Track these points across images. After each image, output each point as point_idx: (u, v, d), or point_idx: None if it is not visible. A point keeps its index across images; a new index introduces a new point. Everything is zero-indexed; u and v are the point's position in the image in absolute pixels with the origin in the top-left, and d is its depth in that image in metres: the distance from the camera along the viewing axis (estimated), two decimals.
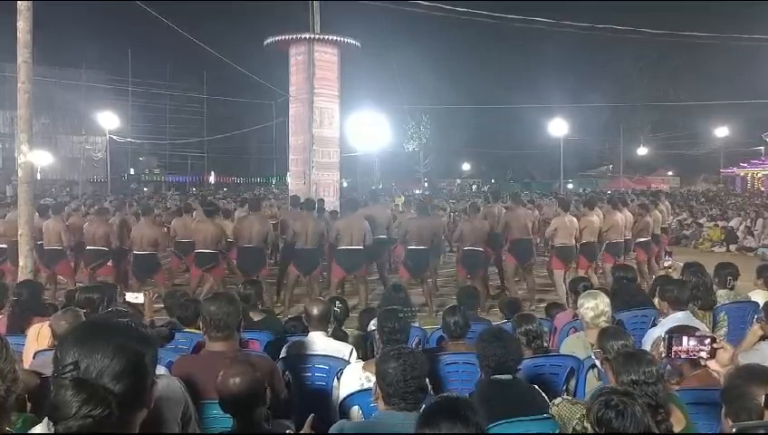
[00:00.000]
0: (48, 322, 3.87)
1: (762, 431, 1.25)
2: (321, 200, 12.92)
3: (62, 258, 9.15)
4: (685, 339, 2.44)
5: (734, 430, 1.29)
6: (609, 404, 2.06)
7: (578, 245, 9.53)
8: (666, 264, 9.95)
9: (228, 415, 2.59)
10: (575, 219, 9.55)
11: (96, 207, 11.53)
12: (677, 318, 4.08)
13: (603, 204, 12.03)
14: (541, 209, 13.43)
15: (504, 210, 10.21)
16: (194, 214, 12.11)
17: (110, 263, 9.10)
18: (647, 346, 3.65)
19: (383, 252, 9.92)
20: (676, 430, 2.49)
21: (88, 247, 9.05)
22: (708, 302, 4.94)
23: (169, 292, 6.49)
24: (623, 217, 10.10)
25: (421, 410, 2.20)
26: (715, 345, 2.38)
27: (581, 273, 9.11)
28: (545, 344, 4.31)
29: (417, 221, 9.28)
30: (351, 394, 3.30)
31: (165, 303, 5.45)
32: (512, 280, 9.49)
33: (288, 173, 18.18)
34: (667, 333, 2.70)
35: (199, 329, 4.40)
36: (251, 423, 2.51)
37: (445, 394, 2.31)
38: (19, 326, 4.60)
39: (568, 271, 9.36)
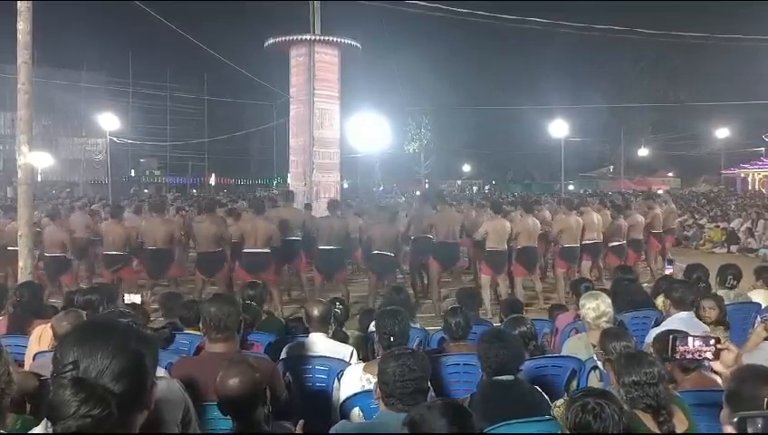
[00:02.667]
0: (51, 323, 3.87)
1: (761, 422, 1.25)
2: (263, 199, 12.12)
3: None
4: (690, 339, 2.42)
5: (734, 419, 1.28)
6: (586, 408, 2.05)
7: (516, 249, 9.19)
8: (667, 272, 9.90)
9: (227, 417, 2.57)
10: (508, 223, 9.13)
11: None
12: (681, 318, 4.07)
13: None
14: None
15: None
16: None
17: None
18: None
19: (296, 253, 9.52)
20: (679, 431, 2.48)
21: (8, 248, 8.94)
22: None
23: (169, 292, 6.48)
24: (577, 220, 9.60)
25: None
26: (719, 346, 2.37)
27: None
28: (544, 346, 4.32)
29: (327, 220, 9.02)
30: (352, 396, 3.28)
31: (165, 303, 5.44)
32: (435, 284, 9.04)
33: (289, 174, 18.18)
34: (670, 333, 2.68)
35: (200, 330, 4.41)
36: (250, 425, 2.49)
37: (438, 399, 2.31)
38: (19, 328, 4.60)
39: (498, 277, 8.98)
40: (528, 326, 4.23)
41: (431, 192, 12.50)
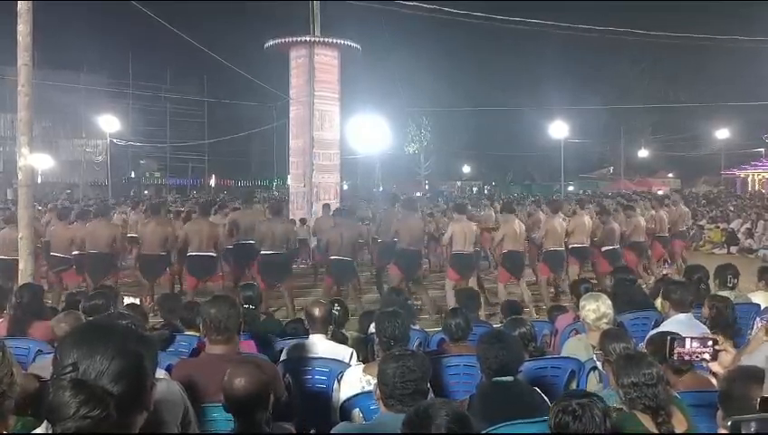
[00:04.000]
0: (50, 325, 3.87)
1: (755, 424, 1.26)
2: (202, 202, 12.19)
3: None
4: (687, 341, 2.43)
5: (728, 423, 1.30)
6: (567, 410, 2.08)
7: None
8: (664, 271, 9.88)
9: (231, 416, 2.58)
10: (474, 225, 8.94)
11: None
12: (679, 320, 4.06)
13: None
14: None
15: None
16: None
17: None
18: None
19: (251, 256, 9.26)
20: (678, 431, 2.49)
21: None
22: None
23: (166, 294, 6.49)
24: (561, 222, 9.44)
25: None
26: (717, 347, 2.38)
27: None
28: (543, 348, 4.33)
29: (268, 224, 8.86)
30: (352, 397, 3.29)
31: (163, 305, 5.44)
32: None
33: (289, 176, 18.20)
34: (664, 335, 2.69)
35: (198, 332, 4.43)
36: (253, 425, 2.49)
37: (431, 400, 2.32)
38: (20, 329, 4.60)
39: (465, 280, 8.67)
40: (528, 328, 4.25)
41: (395, 195, 11.93)
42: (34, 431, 1.61)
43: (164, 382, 2.57)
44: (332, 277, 8.78)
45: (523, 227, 9.28)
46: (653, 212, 11.67)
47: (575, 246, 9.50)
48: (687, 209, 13.23)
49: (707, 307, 4.18)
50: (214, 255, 8.55)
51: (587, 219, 9.75)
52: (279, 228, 8.69)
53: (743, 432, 1.24)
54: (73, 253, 8.93)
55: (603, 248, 9.73)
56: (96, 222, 9.10)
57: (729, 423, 1.29)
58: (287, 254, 8.78)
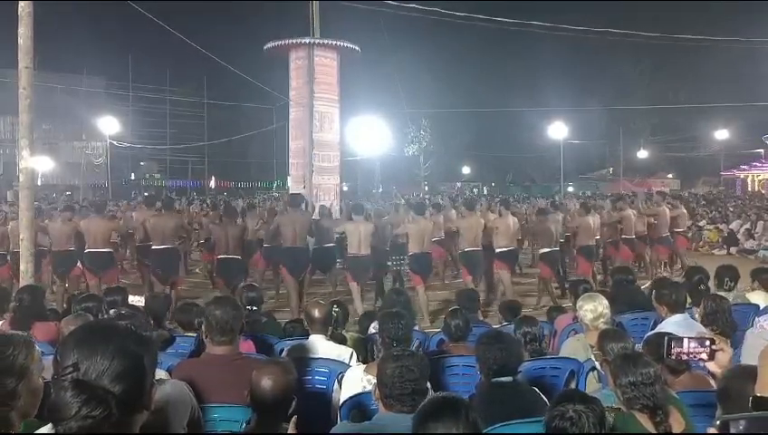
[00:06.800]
0: (60, 327, 3.88)
1: (743, 423, 1.27)
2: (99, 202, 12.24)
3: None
4: (685, 341, 2.45)
5: (717, 422, 1.31)
6: (564, 416, 2.09)
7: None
8: (663, 274, 9.87)
9: (232, 417, 2.59)
10: (369, 225, 8.87)
11: None
12: (675, 322, 4.07)
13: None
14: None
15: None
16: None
17: None
18: None
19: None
20: (676, 431, 2.50)
21: None
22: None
23: (153, 296, 6.48)
24: (478, 221, 9.19)
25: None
26: (714, 347, 2.39)
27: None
28: (544, 349, 4.34)
29: (158, 219, 9.01)
30: (352, 397, 3.30)
31: (151, 307, 5.42)
32: (289, 290, 8.78)
33: (289, 177, 18.20)
34: (660, 336, 2.71)
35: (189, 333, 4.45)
36: (272, 425, 2.51)
37: (439, 393, 2.33)
38: (21, 330, 4.61)
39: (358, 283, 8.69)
40: (535, 328, 4.25)
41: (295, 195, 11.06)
42: (38, 431, 1.63)
43: (170, 383, 2.58)
44: (222, 277, 8.79)
45: (430, 227, 9.11)
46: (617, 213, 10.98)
47: (501, 250, 9.05)
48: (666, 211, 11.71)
49: (702, 306, 4.19)
50: (109, 251, 8.96)
51: (512, 220, 9.36)
52: (168, 223, 8.84)
53: (731, 432, 1.25)
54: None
55: (541, 251, 9.42)
56: (16, 222, 9.30)
57: (718, 423, 1.30)
58: (176, 249, 8.94)
